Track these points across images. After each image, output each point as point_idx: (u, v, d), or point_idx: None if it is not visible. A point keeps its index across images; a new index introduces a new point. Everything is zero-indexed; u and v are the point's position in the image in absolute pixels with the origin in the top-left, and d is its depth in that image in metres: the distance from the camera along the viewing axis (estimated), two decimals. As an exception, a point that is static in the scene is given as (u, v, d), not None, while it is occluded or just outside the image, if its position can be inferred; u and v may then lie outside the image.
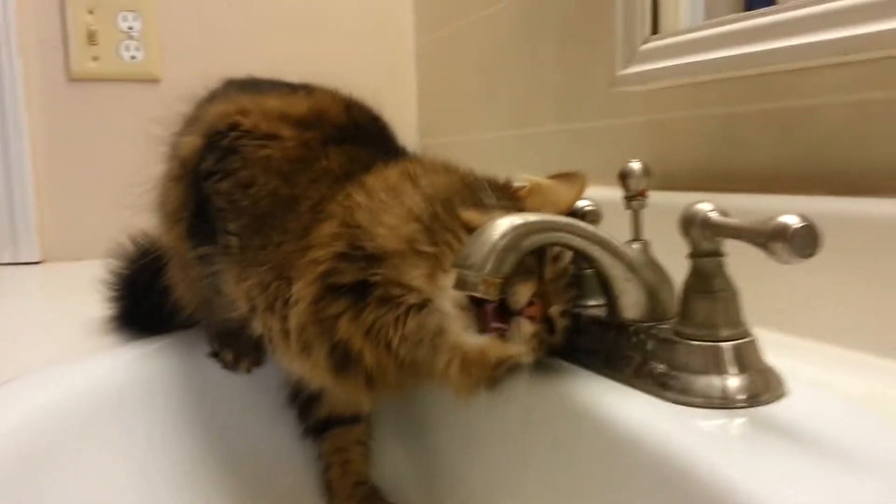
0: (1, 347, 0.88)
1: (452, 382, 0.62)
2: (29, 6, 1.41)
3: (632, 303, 0.60)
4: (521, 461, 0.65)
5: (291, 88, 0.77)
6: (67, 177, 1.45)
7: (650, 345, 0.58)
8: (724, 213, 0.52)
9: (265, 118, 0.71)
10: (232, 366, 0.78)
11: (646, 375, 0.57)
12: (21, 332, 0.97)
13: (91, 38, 1.44)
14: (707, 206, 0.52)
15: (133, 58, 1.46)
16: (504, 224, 0.54)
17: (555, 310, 0.62)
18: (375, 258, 0.61)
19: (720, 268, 0.53)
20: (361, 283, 0.62)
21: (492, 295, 0.53)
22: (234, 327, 0.75)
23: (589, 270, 0.67)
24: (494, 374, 0.62)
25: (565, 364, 0.65)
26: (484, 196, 0.62)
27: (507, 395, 0.65)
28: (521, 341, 0.58)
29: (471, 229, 0.58)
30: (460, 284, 0.53)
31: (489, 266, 0.53)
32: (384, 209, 0.62)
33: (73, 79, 1.45)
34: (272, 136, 0.69)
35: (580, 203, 0.68)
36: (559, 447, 0.60)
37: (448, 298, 0.58)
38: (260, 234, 0.67)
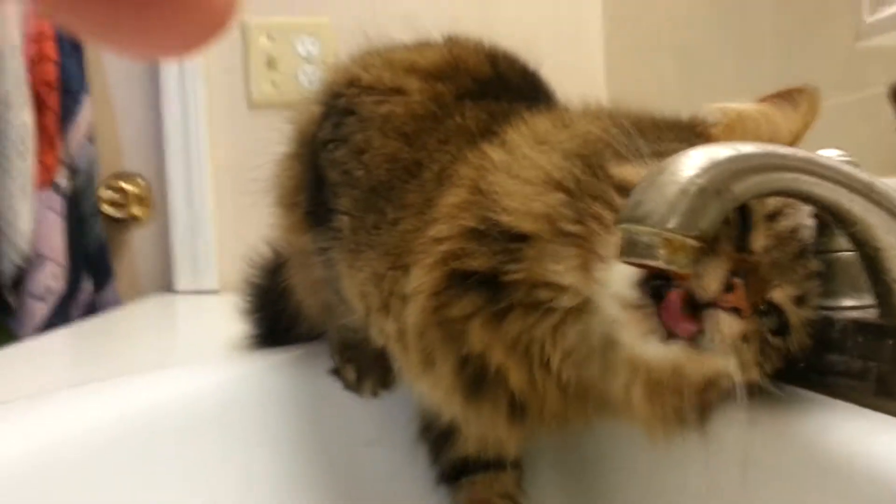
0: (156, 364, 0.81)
1: (639, 415, 0.43)
2: (214, 34, 1.42)
3: (923, 291, 0.37)
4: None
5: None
6: (246, 205, 1.41)
7: (962, 357, 0.34)
8: None
9: (390, 69, 0.57)
10: (355, 386, 0.63)
11: (957, 407, 0.34)
12: (187, 352, 0.89)
13: (270, 63, 1.41)
14: None
15: (311, 83, 1.42)
16: (699, 157, 0.35)
17: (782, 294, 0.40)
18: (513, 238, 0.44)
19: None
20: (499, 274, 0.44)
21: (680, 263, 0.34)
22: (357, 338, 0.61)
23: (844, 252, 0.45)
24: (702, 402, 0.42)
25: (809, 394, 0.43)
26: (646, 141, 0.42)
27: (719, 437, 0.44)
28: (721, 348, 0.37)
29: (628, 190, 0.39)
30: (628, 248, 0.35)
31: (676, 217, 0.34)
32: (522, 170, 0.45)
33: (254, 105, 1.43)
34: (397, 91, 0.55)
35: (825, 154, 0.45)
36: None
37: (610, 293, 0.39)
38: (374, 211, 0.52)
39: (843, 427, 0.38)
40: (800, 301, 0.41)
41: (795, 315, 0.41)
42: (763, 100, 0.45)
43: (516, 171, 0.45)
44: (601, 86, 1.48)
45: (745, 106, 0.45)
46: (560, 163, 0.44)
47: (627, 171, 0.41)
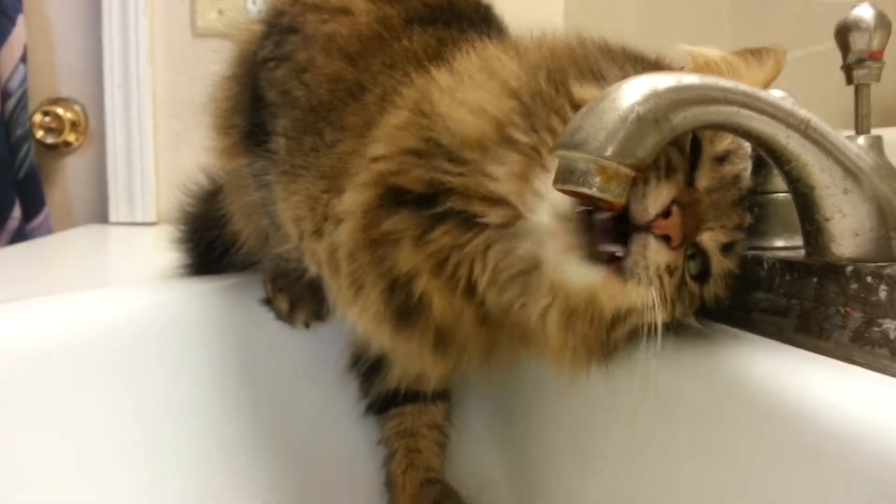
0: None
1: (551, 345, 0.43)
2: (158, -44, 1.36)
3: (850, 230, 0.38)
4: (662, 470, 0.44)
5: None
6: (187, 136, 1.37)
7: (881, 294, 0.36)
8: None
9: None
10: (286, 317, 0.62)
11: (873, 342, 0.36)
12: (117, 278, 0.87)
13: (218, -11, 1.36)
14: None
15: (261, 11, 1.37)
16: (641, 85, 0.35)
17: (710, 238, 0.41)
18: (454, 155, 0.42)
19: None
20: (434, 194, 0.43)
21: (613, 192, 0.34)
22: (291, 267, 0.59)
23: (777, 194, 0.45)
24: (612, 337, 0.41)
25: (732, 330, 0.43)
26: (611, 67, 0.41)
27: (640, 373, 0.44)
28: (644, 275, 0.37)
29: None
30: (564, 175, 0.34)
31: (613, 145, 0.33)
32: (472, 87, 0.44)
33: (199, 34, 1.37)
34: (343, 10, 0.53)
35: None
36: (721, 453, 0.39)
37: (546, 207, 0.38)
38: (313, 132, 0.50)
39: (764, 362, 0.38)
40: (726, 249, 0.41)
41: (719, 263, 0.41)
42: (734, 52, 0.45)
43: (468, 88, 0.44)
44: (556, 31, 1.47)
45: (713, 53, 0.45)
46: (519, 72, 0.43)
47: (588, 92, 0.40)
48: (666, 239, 0.37)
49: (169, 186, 1.38)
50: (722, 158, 0.41)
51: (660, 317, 0.39)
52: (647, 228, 0.37)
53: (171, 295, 0.62)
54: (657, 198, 0.37)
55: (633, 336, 0.42)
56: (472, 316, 0.45)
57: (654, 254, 0.37)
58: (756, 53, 0.45)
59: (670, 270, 0.38)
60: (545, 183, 0.38)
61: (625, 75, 0.40)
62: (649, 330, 0.39)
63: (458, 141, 0.42)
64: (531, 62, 0.44)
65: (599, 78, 0.41)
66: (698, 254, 0.41)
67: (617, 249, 0.37)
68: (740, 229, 0.42)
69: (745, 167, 0.43)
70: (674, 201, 0.38)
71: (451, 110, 0.43)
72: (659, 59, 0.46)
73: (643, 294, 0.38)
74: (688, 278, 0.41)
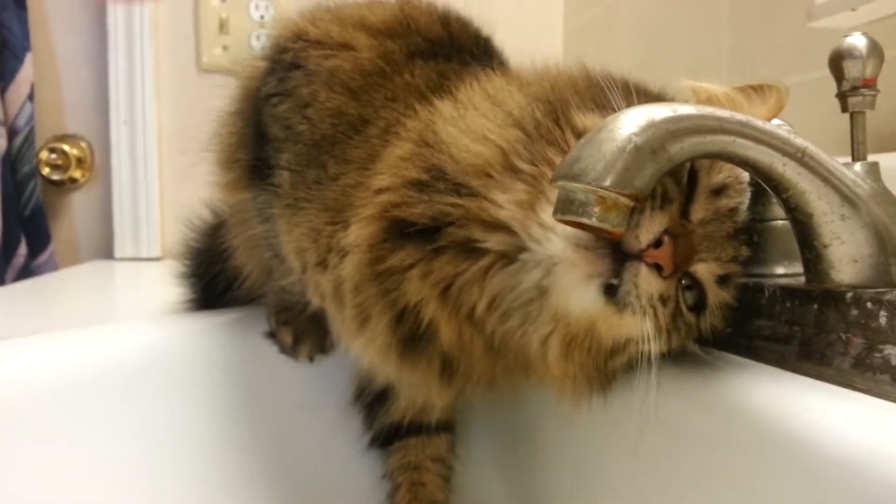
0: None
1: (552, 373, 0.43)
2: (165, -6, 1.38)
3: (848, 256, 0.38)
4: (666, 497, 0.44)
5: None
6: (192, 172, 1.38)
7: (881, 320, 0.36)
8: None
9: (338, 24, 0.56)
10: (290, 350, 0.62)
11: (874, 368, 0.36)
12: (122, 314, 0.87)
13: (222, 27, 1.38)
14: None
15: (264, 48, 1.39)
16: (638, 115, 0.35)
17: (706, 270, 0.41)
18: (458, 183, 0.43)
19: None
20: (438, 227, 0.44)
21: (612, 222, 0.34)
22: (294, 300, 0.60)
23: (777, 221, 0.46)
24: (607, 367, 0.42)
25: (734, 358, 0.43)
26: (614, 98, 0.42)
27: (639, 402, 0.44)
28: (638, 304, 0.38)
29: None
30: (563, 205, 0.35)
31: (611, 175, 0.34)
32: (476, 116, 0.45)
33: (204, 70, 1.39)
34: (345, 46, 0.54)
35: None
36: (725, 479, 0.39)
37: (550, 236, 0.39)
38: (316, 166, 0.51)
39: (766, 390, 0.38)
40: (722, 281, 0.41)
41: (714, 295, 0.41)
42: (736, 88, 0.46)
43: (472, 118, 0.45)
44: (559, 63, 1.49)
45: (715, 88, 0.45)
46: (523, 102, 0.44)
47: (591, 121, 0.41)
48: (658, 268, 0.38)
49: (174, 221, 1.39)
50: (719, 191, 0.42)
51: (655, 347, 0.39)
52: (638, 257, 0.38)
53: (176, 330, 0.62)
54: (649, 227, 0.38)
55: (632, 365, 0.42)
56: (482, 342, 0.45)
57: (644, 282, 0.38)
58: (759, 90, 0.45)
59: (663, 300, 0.39)
60: (550, 213, 0.39)
61: (628, 106, 0.41)
62: (646, 360, 0.39)
63: (461, 168, 0.43)
64: (535, 92, 0.45)
65: (602, 108, 0.42)
66: (694, 285, 0.41)
67: (612, 278, 0.38)
68: (736, 261, 0.42)
69: (742, 200, 0.43)
70: (666, 231, 0.38)
71: (456, 138, 0.44)
72: (662, 91, 0.47)
73: (638, 323, 0.39)
74: (684, 309, 0.41)
